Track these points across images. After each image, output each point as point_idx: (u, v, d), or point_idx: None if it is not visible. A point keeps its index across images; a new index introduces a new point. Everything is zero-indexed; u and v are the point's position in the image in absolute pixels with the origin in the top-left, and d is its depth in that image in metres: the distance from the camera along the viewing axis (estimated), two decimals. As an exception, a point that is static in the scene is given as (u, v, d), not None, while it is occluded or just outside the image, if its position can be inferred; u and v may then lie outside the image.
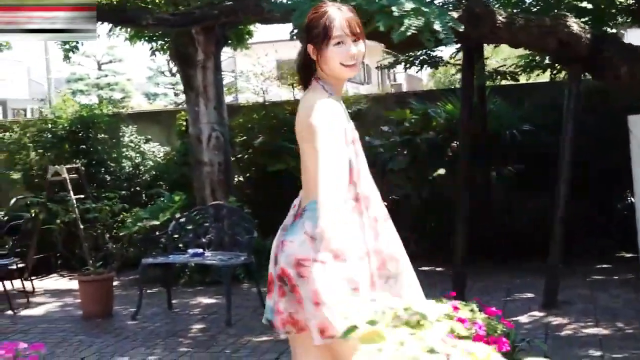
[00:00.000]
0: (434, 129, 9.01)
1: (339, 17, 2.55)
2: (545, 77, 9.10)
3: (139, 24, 7.57)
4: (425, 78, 38.70)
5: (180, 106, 17.97)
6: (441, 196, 8.74)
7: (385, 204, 2.78)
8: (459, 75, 9.38)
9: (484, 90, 8.39)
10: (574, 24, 6.14)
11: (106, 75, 33.03)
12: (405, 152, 9.01)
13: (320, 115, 2.50)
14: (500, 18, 6.05)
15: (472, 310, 3.75)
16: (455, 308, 3.75)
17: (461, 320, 3.64)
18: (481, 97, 8.22)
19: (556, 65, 7.66)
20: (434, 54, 8.07)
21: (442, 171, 8.82)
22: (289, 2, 5.76)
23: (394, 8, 4.69)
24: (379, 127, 9.32)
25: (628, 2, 6.98)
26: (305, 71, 2.68)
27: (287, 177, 9.22)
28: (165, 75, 31.80)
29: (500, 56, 20.30)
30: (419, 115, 9.06)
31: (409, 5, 4.73)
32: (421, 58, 8.06)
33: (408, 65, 8.50)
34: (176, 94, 30.86)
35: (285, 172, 9.12)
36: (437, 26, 4.55)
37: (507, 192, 8.96)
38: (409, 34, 4.60)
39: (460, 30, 5.01)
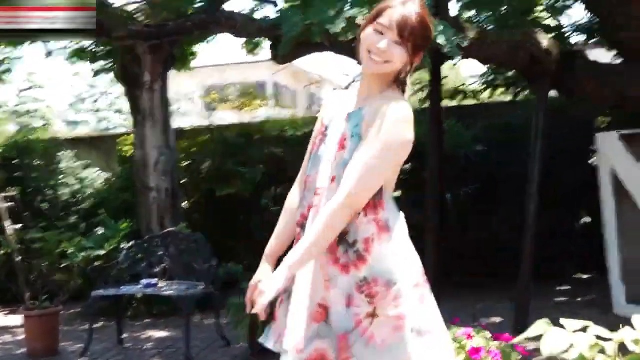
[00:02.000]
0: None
1: (398, 10, 2.21)
2: (499, 97, 9.05)
3: (115, 36, 7.20)
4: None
5: (109, 131, 17.37)
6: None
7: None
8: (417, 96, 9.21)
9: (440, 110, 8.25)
10: (544, 40, 6.07)
11: (25, 103, 31.85)
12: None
13: None
14: (471, 34, 5.92)
15: (485, 338, 3.52)
16: (469, 336, 3.51)
17: (477, 350, 3.40)
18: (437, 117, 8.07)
19: (518, 82, 7.59)
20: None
21: (397, 193, 8.63)
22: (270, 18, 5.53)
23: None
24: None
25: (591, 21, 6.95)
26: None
27: (236, 202, 8.91)
28: (91, 100, 30.98)
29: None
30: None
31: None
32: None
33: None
34: (100, 120, 30.06)
35: (235, 197, 8.80)
36: (440, 40, 4.34)
37: (462, 214, 8.85)
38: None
39: (464, 45, 4.83)
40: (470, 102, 9.01)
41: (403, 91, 2.30)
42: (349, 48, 4.48)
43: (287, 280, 2.17)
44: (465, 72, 16.59)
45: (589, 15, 7.19)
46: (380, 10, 2.24)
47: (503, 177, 8.29)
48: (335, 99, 2.44)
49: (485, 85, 8.16)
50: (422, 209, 6.67)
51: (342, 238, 2.19)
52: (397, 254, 2.21)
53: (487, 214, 8.62)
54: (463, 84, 9.00)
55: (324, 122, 2.39)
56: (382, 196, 2.22)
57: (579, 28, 7.17)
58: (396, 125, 2.18)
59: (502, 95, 9.00)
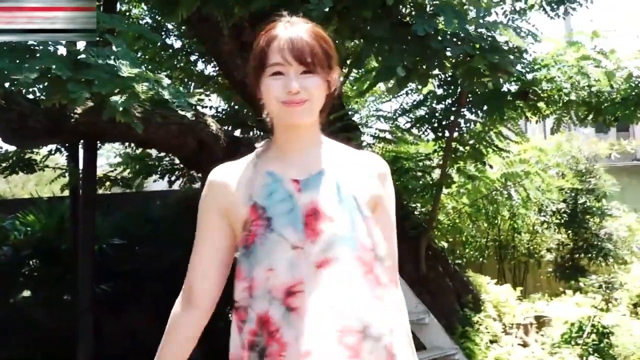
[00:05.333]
0: (11, 244, 7.71)
1: (282, 37, 1.77)
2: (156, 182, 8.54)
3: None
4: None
5: None
6: (24, 319, 7.40)
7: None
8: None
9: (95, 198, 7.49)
10: (213, 124, 5.86)
11: None
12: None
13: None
14: (135, 112, 5.42)
15: None
16: None
17: None
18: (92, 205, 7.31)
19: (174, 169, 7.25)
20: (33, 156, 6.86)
21: (27, 293, 7.55)
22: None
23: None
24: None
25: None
26: None
27: None
28: None
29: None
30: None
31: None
32: (12, 160, 6.75)
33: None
34: None
35: None
36: (166, 95, 3.75)
37: (99, 313, 8.03)
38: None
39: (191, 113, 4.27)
40: (120, 189, 8.38)
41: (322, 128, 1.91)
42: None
43: None
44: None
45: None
46: (261, 52, 1.79)
47: (145, 272, 7.76)
48: (234, 176, 1.85)
49: (136, 173, 7.64)
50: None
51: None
52: None
53: (127, 316, 7.91)
54: (113, 169, 8.34)
55: (257, 205, 1.78)
56: None
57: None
58: (392, 185, 1.92)
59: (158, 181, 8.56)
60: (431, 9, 4.47)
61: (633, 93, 5.28)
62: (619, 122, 5.66)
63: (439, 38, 4.28)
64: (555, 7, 5.04)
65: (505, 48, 4.54)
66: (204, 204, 1.86)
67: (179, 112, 3.97)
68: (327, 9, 3.76)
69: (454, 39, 4.28)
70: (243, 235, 1.77)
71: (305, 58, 1.76)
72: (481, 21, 4.48)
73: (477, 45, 4.35)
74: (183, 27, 7.42)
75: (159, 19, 7.63)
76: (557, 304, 8.06)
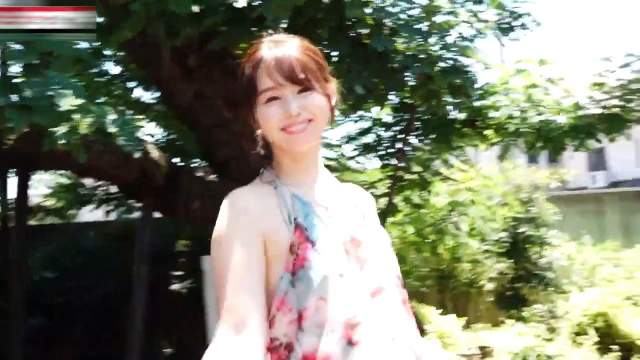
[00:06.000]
0: None
1: (268, 57, 1.62)
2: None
3: None
4: None
5: None
6: None
7: None
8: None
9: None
10: (155, 151, 5.62)
11: None
12: None
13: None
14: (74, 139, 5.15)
15: None
16: None
17: None
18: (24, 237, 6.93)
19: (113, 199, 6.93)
20: None
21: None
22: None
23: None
24: None
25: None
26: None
27: None
28: None
29: None
30: None
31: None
32: None
33: None
34: None
35: None
36: (112, 128, 3.52)
37: (31, 347, 7.63)
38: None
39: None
40: (52, 219, 8.02)
41: None
42: None
43: None
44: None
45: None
46: (249, 79, 1.63)
47: (79, 305, 7.44)
48: (264, 199, 1.66)
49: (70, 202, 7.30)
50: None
51: None
52: None
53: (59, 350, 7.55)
54: (44, 199, 7.95)
55: (301, 225, 1.60)
56: None
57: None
58: None
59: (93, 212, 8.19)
60: (390, 26, 4.36)
61: (582, 122, 5.29)
62: (572, 151, 5.67)
63: (399, 57, 4.20)
64: (505, 32, 5.01)
65: (466, 70, 4.48)
66: (240, 231, 1.59)
67: (126, 149, 3.74)
68: (284, 26, 3.62)
69: (414, 59, 4.21)
70: (290, 259, 1.56)
71: (297, 76, 1.60)
72: (443, 41, 4.43)
73: (437, 68, 4.28)
74: (120, 53, 7.16)
75: (96, 44, 7.35)
76: (500, 333, 8.05)
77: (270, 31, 1.74)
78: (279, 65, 1.59)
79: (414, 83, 4.63)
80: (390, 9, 4.34)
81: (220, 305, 1.55)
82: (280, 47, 1.63)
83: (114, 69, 7.92)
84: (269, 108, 1.61)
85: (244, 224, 1.59)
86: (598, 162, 25.26)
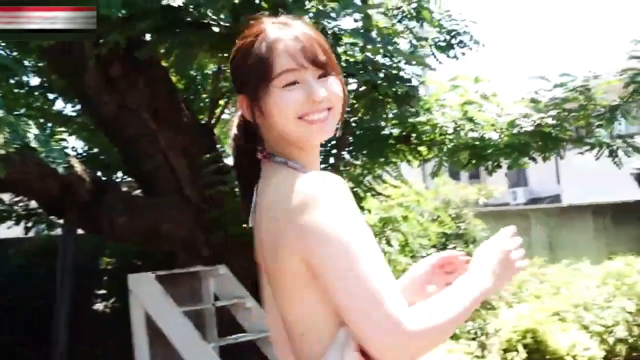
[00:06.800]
0: None
1: (286, 37, 1.41)
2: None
3: None
4: None
5: None
6: None
7: None
8: None
9: None
10: (77, 165, 5.34)
11: None
12: None
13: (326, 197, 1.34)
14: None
15: None
16: None
17: None
18: None
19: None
20: None
21: None
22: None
23: None
24: None
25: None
26: (248, 155, 1.50)
27: None
28: None
29: None
30: None
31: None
32: None
33: None
34: None
35: None
36: (34, 143, 3.24)
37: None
38: None
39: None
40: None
41: None
42: None
43: None
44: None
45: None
46: (260, 62, 1.40)
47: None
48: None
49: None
50: None
51: None
52: None
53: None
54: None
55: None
56: None
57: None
58: None
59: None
60: (334, 31, 4.21)
61: (517, 139, 5.26)
62: (508, 168, 5.65)
63: (343, 65, 4.06)
64: (443, 51, 4.96)
65: (410, 78, 4.38)
66: (351, 209, 1.35)
67: (52, 165, 3.47)
68: (227, 26, 3.42)
69: (358, 67, 4.08)
70: None
71: (320, 59, 1.41)
72: (388, 48, 4.29)
73: (381, 75, 4.16)
74: (40, 63, 6.82)
75: (14, 53, 6.99)
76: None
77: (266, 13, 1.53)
78: (300, 45, 1.40)
79: (358, 90, 4.48)
80: (333, 15, 4.18)
81: (368, 305, 1.32)
82: (294, 26, 1.44)
83: (33, 79, 7.56)
84: (289, 92, 1.39)
85: (349, 201, 1.37)
86: (518, 178, 25.70)
